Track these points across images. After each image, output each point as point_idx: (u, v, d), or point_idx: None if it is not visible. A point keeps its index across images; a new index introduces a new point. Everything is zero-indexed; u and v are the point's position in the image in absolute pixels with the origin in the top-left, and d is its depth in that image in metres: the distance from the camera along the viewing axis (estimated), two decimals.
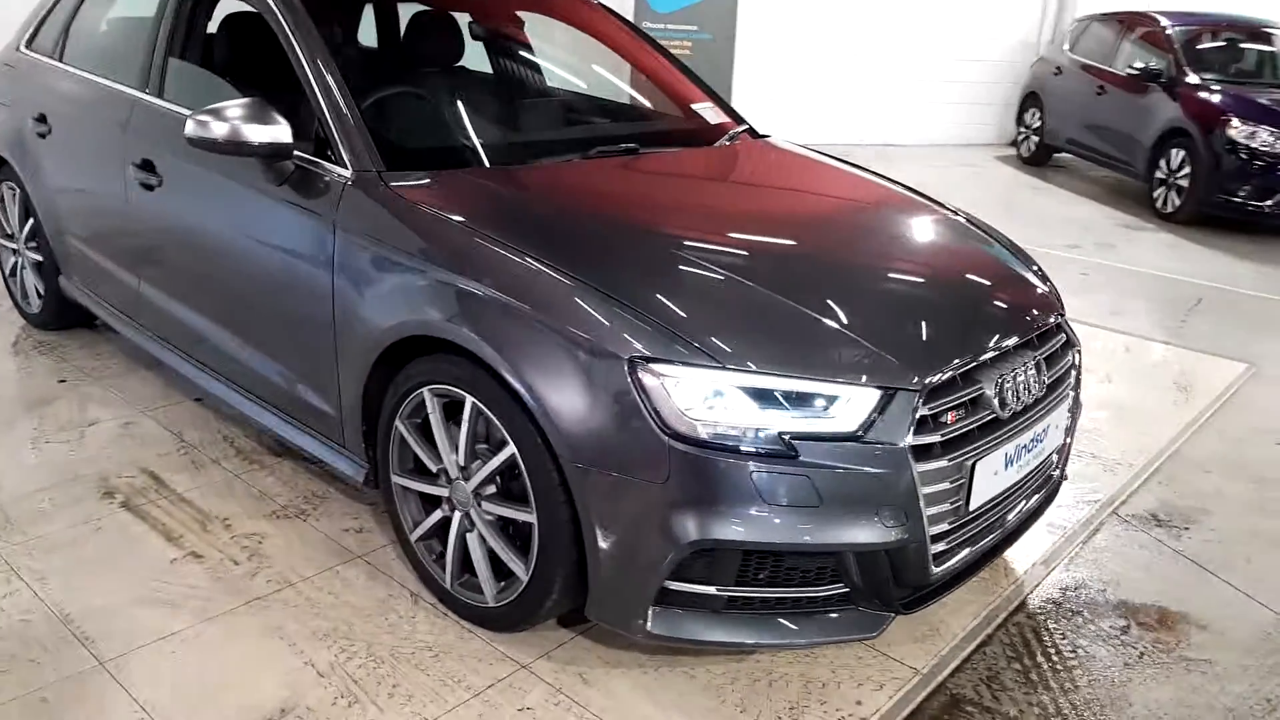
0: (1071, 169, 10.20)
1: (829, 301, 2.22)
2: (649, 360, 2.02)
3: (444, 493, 2.43)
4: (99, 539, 2.76)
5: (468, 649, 2.37)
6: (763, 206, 2.88)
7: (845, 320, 2.17)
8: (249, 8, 3.14)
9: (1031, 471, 2.41)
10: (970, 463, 2.14)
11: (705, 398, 2.00)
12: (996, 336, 2.31)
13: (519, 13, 3.78)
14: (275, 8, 2.86)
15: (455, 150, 2.84)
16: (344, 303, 2.54)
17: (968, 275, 2.61)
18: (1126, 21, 9.48)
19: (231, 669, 2.27)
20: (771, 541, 2.01)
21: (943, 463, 2.08)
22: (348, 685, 2.23)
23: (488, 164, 2.77)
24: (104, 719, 2.12)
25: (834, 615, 2.13)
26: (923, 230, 2.87)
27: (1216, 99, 7.86)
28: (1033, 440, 2.36)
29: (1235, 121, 7.53)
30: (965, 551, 2.24)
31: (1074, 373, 2.61)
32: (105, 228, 3.52)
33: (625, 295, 2.12)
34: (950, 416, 2.12)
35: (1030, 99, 10.61)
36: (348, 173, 2.58)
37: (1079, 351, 2.64)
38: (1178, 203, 7.91)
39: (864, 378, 2.05)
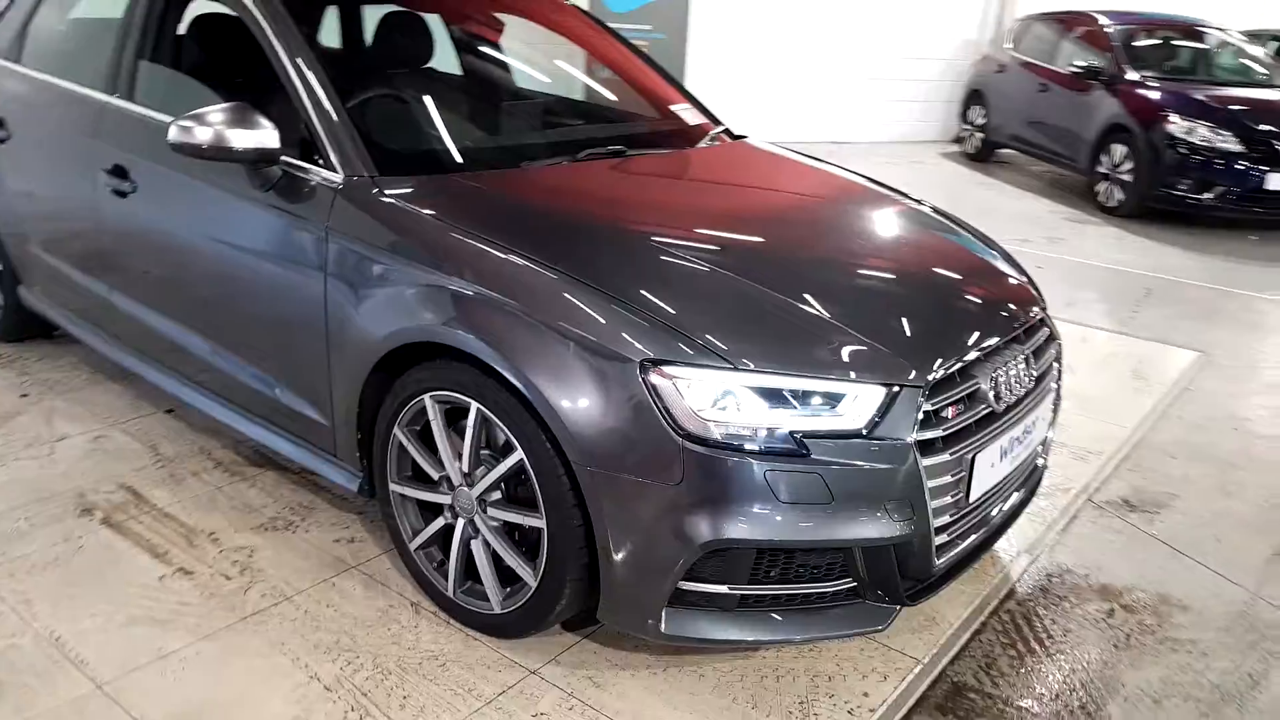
0: (1015, 164, 10.44)
1: (831, 301, 2.26)
2: (660, 362, 2.03)
3: (446, 500, 2.42)
4: (82, 558, 2.69)
5: (474, 657, 2.37)
6: (757, 208, 2.91)
7: (849, 319, 2.21)
8: (221, 9, 3.10)
9: (1021, 463, 2.48)
10: (970, 456, 2.19)
11: (716, 398, 2.02)
12: (990, 332, 2.37)
13: (496, 15, 3.76)
14: (255, 10, 2.82)
15: (445, 154, 2.83)
16: (337, 310, 2.51)
17: (959, 273, 2.66)
18: (1067, 21, 9.73)
19: (235, 687, 2.24)
20: (784, 539, 2.04)
21: (945, 457, 2.13)
22: (357, 699, 2.21)
23: (479, 168, 2.75)
24: None
25: (843, 610, 2.17)
26: (912, 229, 2.93)
27: (1156, 96, 8.10)
28: (1023, 432, 2.42)
29: (1174, 117, 7.77)
30: (965, 542, 2.30)
31: (1057, 366, 2.68)
32: (73, 236, 3.43)
33: (635, 299, 2.14)
34: (951, 411, 2.17)
35: (974, 96, 10.84)
36: (338, 177, 2.55)
37: (1060, 345, 2.72)
38: (1120, 197, 8.14)
39: (870, 375, 2.09)
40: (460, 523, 2.40)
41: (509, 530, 2.34)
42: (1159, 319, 5.33)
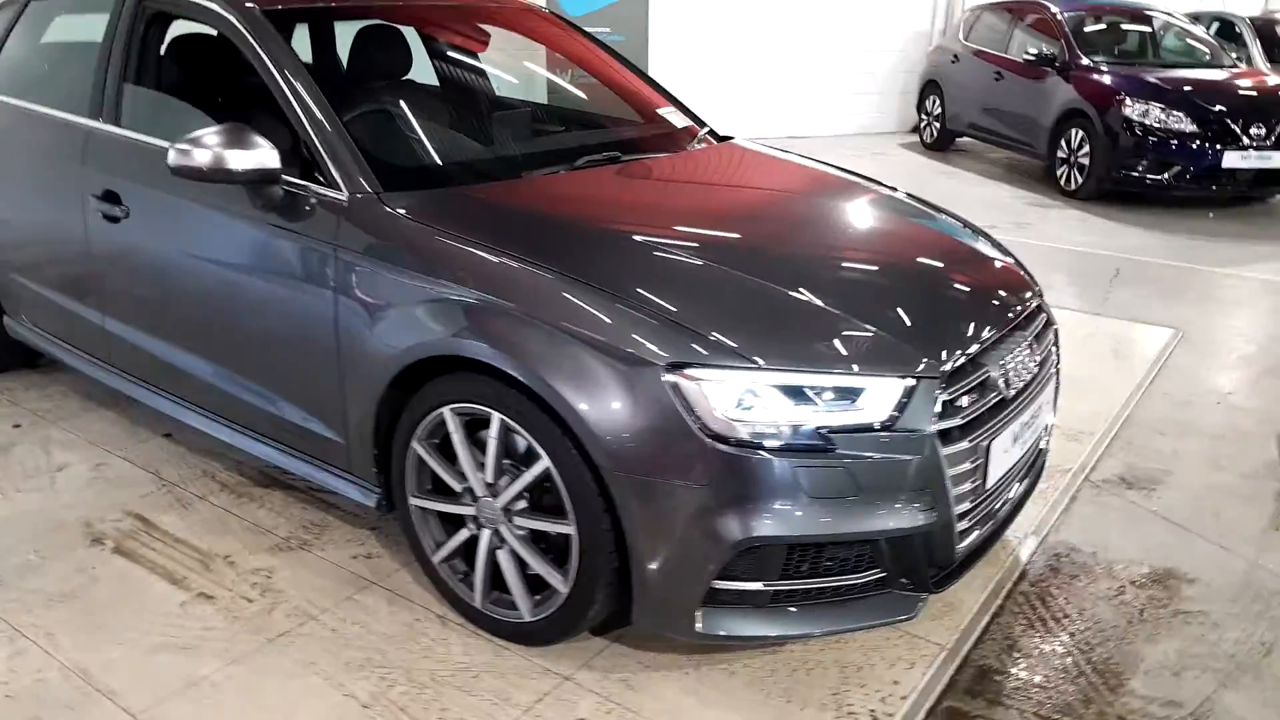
0: (973, 152, 10.59)
1: (845, 297, 2.31)
2: (684, 365, 2.06)
3: (470, 511, 2.43)
4: (98, 588, 2.67)
5: (506, 666, 2.38)
6: (761, 208, 2.95)
7: (864, 314, 2.25)
8: (204, 29, 3.08)
9: (1029, 448, 2.54)
10: (986, 443, 2.24)
11: (742, 399, 2.05)
12: (997, 320, 2.43)
13: (479, 26, 3.77)
14: (245, 30, 2.80)
15: (447, 167, 2.83)
16: (349, 327, 2.51)
17: (961, 264, 2.72)
18: (1016, 9, 9.89)
19: (273, 710, 2.24)
20: (815, 534, 2.08)
21: (964, 445, 2.18)
22: (396, 714, 2.22)
23: (481, 180, 2.77)
24: None
25: (872, 600, 2.21)
26: (911, 224, 2.98)
27: (1109, 80, 8.26)
28: (1031, 417, 2.48)
29: (1129, 101, 7.93)
30: (983, 528, 2.36)
31: (1055, 350, 2.75)
32: (61, 263, 3.39)
33: (655, 303, 2.16)
34: (965, 400, 2.22)
35: (930, 87, 10.97)
36: (342, 195, 2.55)
37: (1056, 330, 2.78)
38: (1080, 180, 8.29)
39: (889, 369, 2.13)
40: (485, 533, 2.42)
41: (535, 538, 2.36)
42: (1131, 298, 5.46)
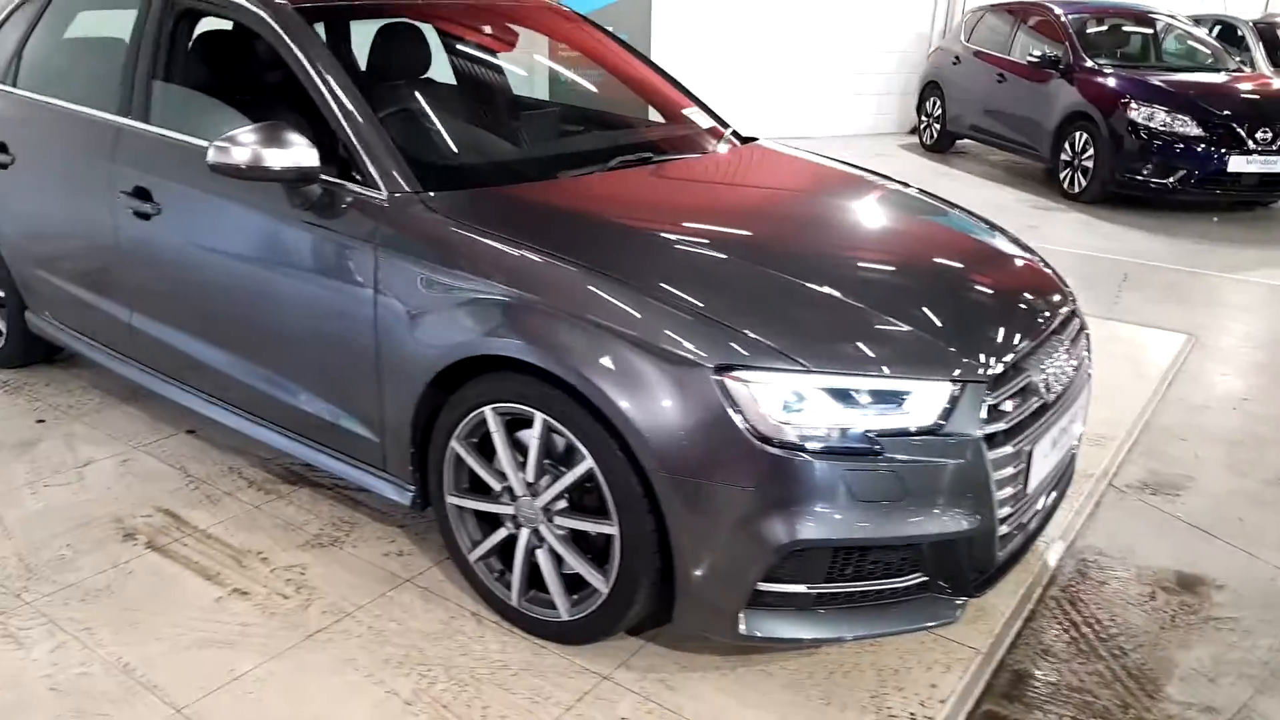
0: (973, 154, 10.62)
1: (892, 301, 2.32)
2: (733, 367, 2.07)
3: (508, 510, 2.44)
4: (134, 583, 2.67)
5: (544, 664, 2.40)
6: (796, 210, 2.95)
7: (910, 318, 2.26)
8: (233, 25, 3.07)
9: (1065, 453, 2.57)
10: (1029, 448, 2.26)
11: (790, 401, 2.06)
12: (1038, 324, 2.44)
13: (505, 25, 3.77)
14: (280, 29, 2.80)
15: (484, 167, 2.84)
16: (388, 327, 2.52)
17: (999, 269, 2.74)
18: (1019, 11, 9.91)
19: (316, 706, 2.24)
20: (861, 538, 2.10)
21: (1008, 450, 2.20)
22: (439, 711, 2.23)
23: (518, 180, 2.77)
24: None
25: (915, 604, 2.22)
26: (948, 228, 2.99)
27: (1113, 83, 8.29)
28: (1069, 422, 2.50)
29: (1134, 104, 7.97)
30: (1022, 532, 2.38)
31: (1088, 355, 2.77)
32: (87, 259, 3.38)
33: (702, 305, 2.17)
34: (1009, 404, 2.24)
35: (930, 88, 10.98)
36: (381, 194, 2.56)
37: (1089, 335, 2.80)
38: (1084, 183, 8.32)
39: (937, 372, 2.14)
40: (524, 532, 2.43)
41: (574, 537, 2.37)
42: (1141, 303, 5.49)
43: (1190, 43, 9.56)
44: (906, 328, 2.24)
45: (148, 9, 3.18)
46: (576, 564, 2.35)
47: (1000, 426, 2.19)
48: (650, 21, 9.46)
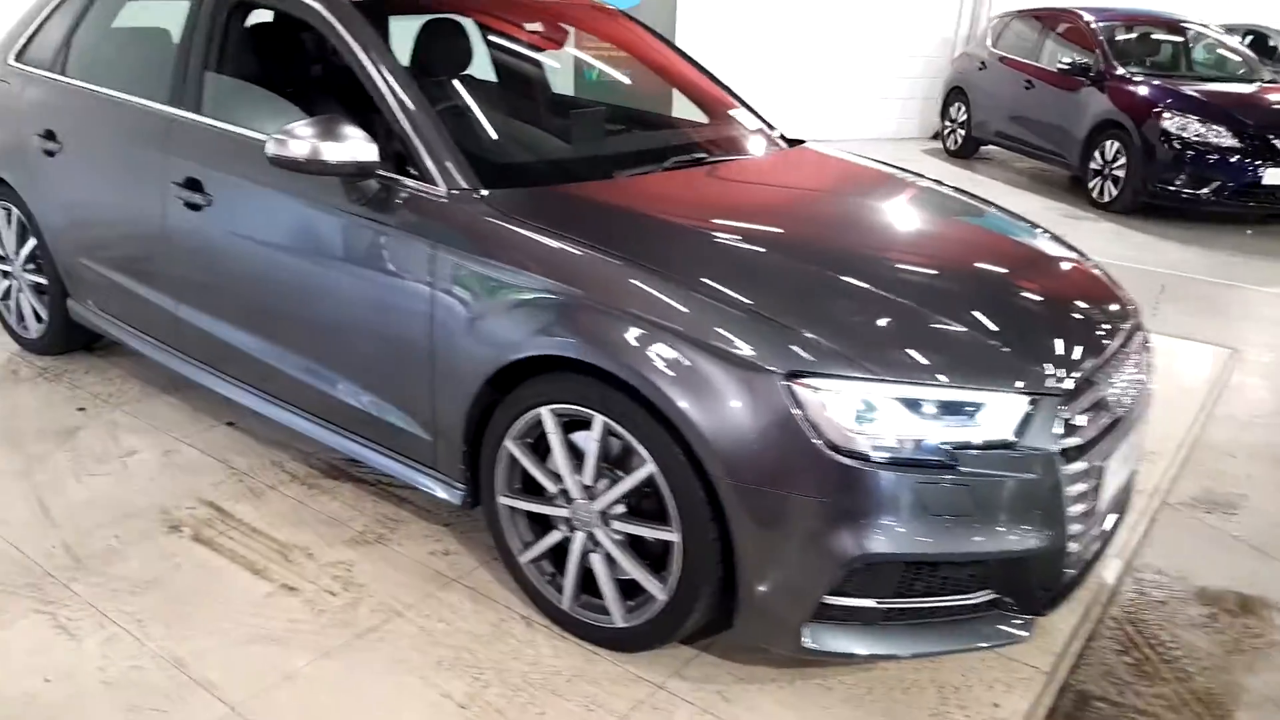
0: (998, 161, 10.55)
1: (964, 310, 2.27)
2: (805, 374, 2.04)
3: (563, 513, 2.41)
4: (182, 576, 2.65)
5: (597, 671, 2.36)
6: (861, 215, 2.90)
7: (984, 328, 2.22)
8: (289, 18, 3.04)
9: (1131, 469, 2.52)
10: (1101, 464, 2.22)
11: (863, 410, 2.02)
12: (1109, 337, 2.40)
13: (555, 23, 3.74)
14: (338, 24, 2.78)
15: (542, 165, 2.81)
16: (444, 324, 2.49)
17: (1068, 280, 2.69)
18: (1047, 18, 9.84)
19: (371, 707, 2.22)
20: (933, 553, 2.06)
21: (1083, 465, 2.15)
22: (494, 716, 2.20)
23: (575, 179, 2.73)
24: None
25: (984, 621, 2.18)
26: (1010, 237, 2.94)
27: (1146, 91, 8.21)
28: (1137, 436, 2.46)
29: (1167, 113, 7.90)
30: (1091, 549, 2.33)
31: (1151, 368, 2.72)
32: (134, 248, 3.36)
33: (772, 309, 2.14)
34: (1083, 418, 2.20)
35: (955, 93, 10.90)
36: (440, 190, 2.53)
37: (1151, 348, 2.76)
38: (1114, 192, 8.25)
39: (1014, 385, 2.10)
40: (579, 536, 2.39)
41: (630, 542, 2.34)
42: (1179, 316, 5.43)
43: (1221, 52, 9.48)
44: (980, 337, 2.20)
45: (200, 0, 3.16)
46: (634, 570, 2.31)
47: (1075, 441, 2.14)
48: (675, 24, 9.42)
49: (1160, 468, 3.48)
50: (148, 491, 3.05)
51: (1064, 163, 9.01)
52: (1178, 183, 7.80)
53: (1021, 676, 2.38)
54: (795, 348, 2.06)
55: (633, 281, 2.24)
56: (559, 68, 3.92)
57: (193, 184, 3.02)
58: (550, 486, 2.42)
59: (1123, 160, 8.16)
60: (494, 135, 2.97)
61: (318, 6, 2.85)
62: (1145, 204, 8.02)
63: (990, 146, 10.51)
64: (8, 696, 2.20)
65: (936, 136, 11.49)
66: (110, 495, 3.03)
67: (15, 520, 2.89)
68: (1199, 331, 5.12)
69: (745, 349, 2.08)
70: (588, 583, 2.43)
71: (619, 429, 2.23)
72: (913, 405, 2.04)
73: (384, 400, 2.74)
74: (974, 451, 2.05)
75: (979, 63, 10.51)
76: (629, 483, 2.25)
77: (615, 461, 2.32)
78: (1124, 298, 2.70)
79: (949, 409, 2.06)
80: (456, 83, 3.30)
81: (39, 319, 3.92)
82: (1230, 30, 10.62)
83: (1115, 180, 8.24)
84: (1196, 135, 7.76)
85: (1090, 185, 8.49)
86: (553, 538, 2.46)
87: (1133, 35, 9.30)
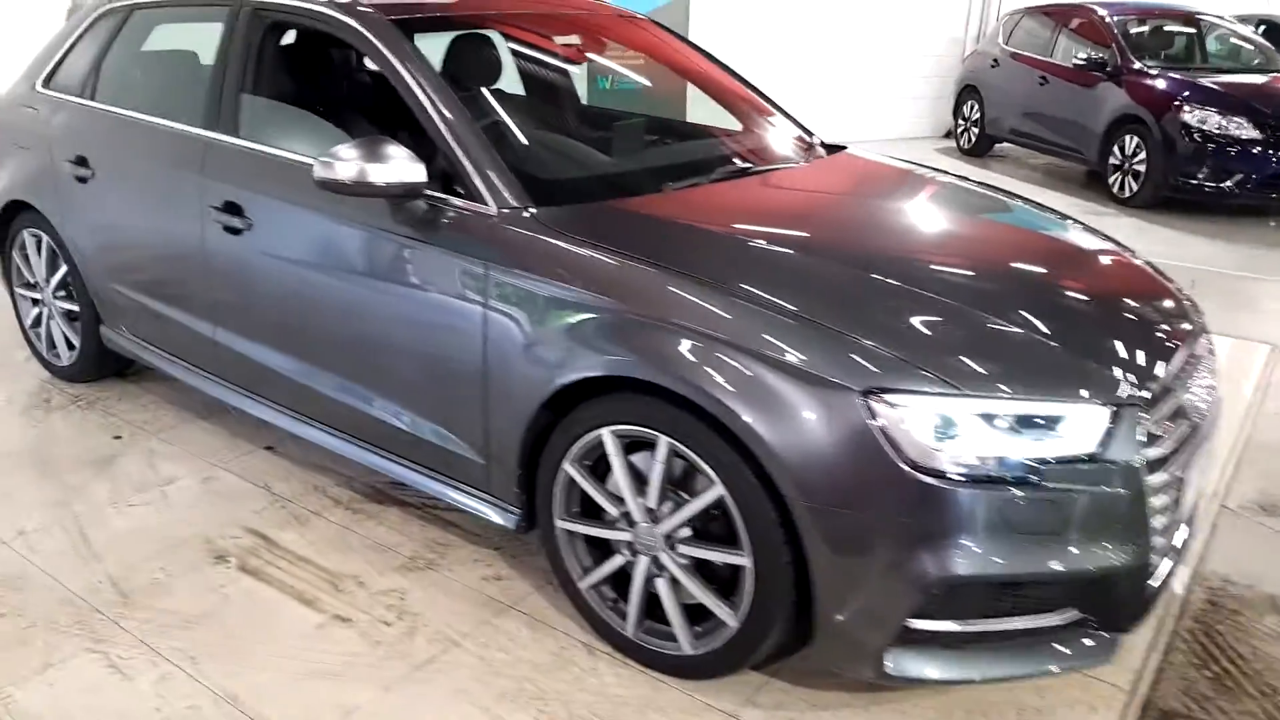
0: (1012, 158, 10.48)
1: (1037, 320, 2.20)
2: (882, 390, 1.97)
3: (625, 537, 2.35)
4: (232, 609, 2.60)
5: (666, 700, 2.30)
6: (919, 224, 2.84)
7: (1060, 338, 2.16)
8: (319, 37, 3.00)
9: (1204, 478, 2.46)
10: (1182, 474, 2.16)
11: (944, 427, 1.96)
12: (1184, 344, 2.34)
13: (594, 36, 3.69)
14: (374, 40, 2.74)
15: (592, 181, 2.75)
16: (498, 345, 2.43)
17: (1136, 285, 2.62)
18: (1060, 13, 9.78)
19: None
20: (1018, 573, 1.99)
21: (1165, 476, 2.08)
22: None
23: (625, 194, 2.67)
24: None
25: (1069, 642, 2.11)
26: (1073, 243, 2.87)
27: (1165, 85, 8.15)
28: (1211, 444, 2.40)
29: (1186, 106, 7.83)
30: (1171, 563, 2.27)
31: (1217, 371, 2.66)
32: (170, 273, 3.31)
33: (844, 324, 2.07)
34: (1164, 428, 2.14)
35: (967, 91, 10.85)
36: (491, 209, 2.47)
37: (1214, 351, 2.70)
38: (1135, 187, 8.19)
39: (1095, 395, 2.03)
40: (642, 560, 2.34)
41: (697, 566, 2.28)
42: (1214, 311, 5.27)
43: (1236, 42, 9.41)
44: (1063, 349, 2.13)
45: (235, 23, 3.11)
46: (702, 596, 2.25)
47: (1158, 452, 2.08)
48: (687, 28, 9.37)
49: (1214, 470, 3.41)
50: (190, 520, 3.00)
51: (1081, 158, 8.95)
52: (1199, 176, 7.74)
53: (1101, 695, 2.32)
54: (871, 364, 2.00)
55: (693, 298, 2.18)
56: (577, 78, 3.87)
57: (232, 208, 2.97)
58: (611, 510, 2.36)
59: (1143, 155, 8.09)
60: (539, 151, 2.92)
61: (356, 25, 2.80)
62: (1166, 198, 7.96)
63: (1004, 144, 10.45)
64: None
65: (948, 135, 11.44)
66: (152, 525, 2.97)
67: (57, 552, 2.84)
68: (1235, 327, 5.04)
69: (821, 366, 2.01)
70: (650, 607, 2.37)
71: (685, 450, 2.17)
72: (994, 420, 1.98)
73: (433, 423, 2.69)
74: (1058, 466, 1.98)
75: (991, 60, 10.45)
76: (696, 505, 2.19)
77: (677, 483, 2.26)
78: (1188, 300, 2.64)
79: (1031, 423, 1.99)
80: (489, 98, 3.25)
81: (70, 346, 3.87)
82: (1243, 21, 10.55)
83: (1135, 175, 8.18)
84: (1217, 128, 7.70)
85: (1109, 180, 8.43)
86: (614, 562, 2.40)
87: (1147, 28, 9.24)
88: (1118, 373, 2.10)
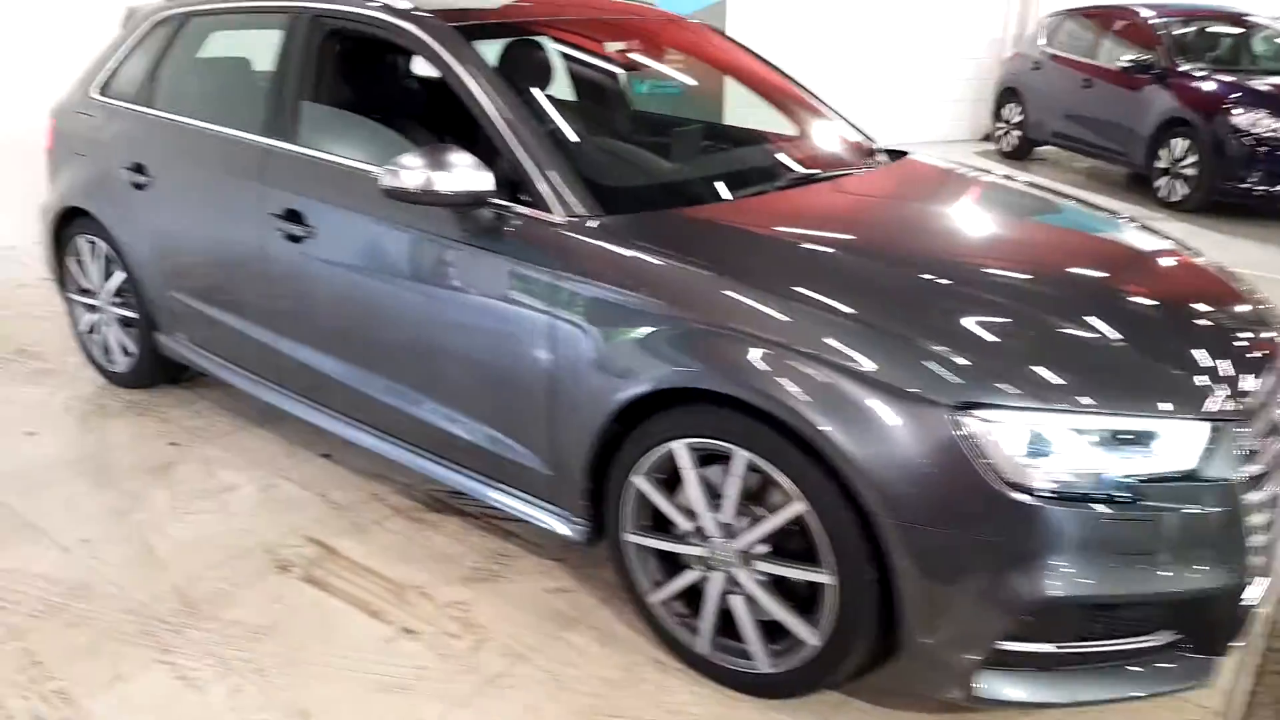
0: (1054, 161, 10.34)
1: (1129, 332, 2.14)
2: (973, 406, 1.92)
3: (699, 552, 2.31)
4: (297, 620, 2.58)
5: (740, 718, 2.25)
6: (994, 232, 2.78)
7: (1153, 351, 2.10)
8: (380, 43, 2.97)
9: None
10: (1277, 491, 2.09)
11: (1037, 443, 1.90)
12: (1272, 355, 2.27)
13: (655, 44, 3.65)
14: (437, 46, 2.72)
15: (660, 189, 2.71)
16: (566, 356, 2.40)
17: (1221, 295, 2.54)
18: (1102, 15, 9.65)
19: None
20: (1115, 594, 1.93)
21: (1263, 494, 2.02)
22: None
23: (693, 202, 2.63)
24: None
25: (1161, 665, 2.04)
26: (1150, 251, 2.77)
27: (1213, 87, 8.01)
28: None
29: (1236, 109, 7.69)
30: (1265, 582, 2.19)
31: None
32: (229, 281, 3.30)
33: (931, 336, 2.02)
34: (1261, 444, 2.07)
35: (1007, 94, 10.72)
36: (559, 218, 2.44)
37: None
38: (1184, 192, 8.04)
39: (1192, 410, 1.97)
40: (717, 576, 2.29)
41: (774, 582, 2.23)
42: None
43: None
44: (1157, 362, 2.07)
45: (294, 30, 3.10)
46: (781, 615, 2.20)
47: (1257, 468, 2.01)
48: (724, 30, 9.34)
49: None
50: (251, 529, 2.99)
51: (1126, 161, 8.82)
52: (1251, 180, 7.59)
53: (1191, 717, 2.25)
54: (963, 378, 1.94)
55: (770, 309, 2.13)
56: (666, 88, 3.84)
57: (293, 215, 2.95)
58: (683, 524, 2.32)
59: (1192, 159, 7.95)
60: (603, 158, 2.88)
61: (418, 31, 2.78)
62: (1216, 202, 7.81)
63: (1046, 147, 10.32)
64: None
65: (987, 138, 11.31)
66: (213, 534, 2.96)
67: (122, 562, 2.83)
68: None
69: (906, 379, 1.96)
70: (723, 623, 2.33)
71: (764, 465, 2.12)
72: (1089, 435, 1.92)
73: (497, 433, 2.65)
74: (1155, 484, 1.92)
75: (1032, 63, 10.33)
76: (775, 521, 2.15)
77: (752, 496, 2.22)
78: (1273, 312, 2.56)
79: (1126, 439, 1.93)
80: (550, 104, 3.22)
81: (125, 352, 3.88)
82: None
83: (1184, 179, 8.03)
84: (1269, 131, 7.55)
85: (1156, 184, 8.29)
86: (687, 578, 2.36)
87: (1192, 30, 9.10)
88: (1214, 387, 2.04)
